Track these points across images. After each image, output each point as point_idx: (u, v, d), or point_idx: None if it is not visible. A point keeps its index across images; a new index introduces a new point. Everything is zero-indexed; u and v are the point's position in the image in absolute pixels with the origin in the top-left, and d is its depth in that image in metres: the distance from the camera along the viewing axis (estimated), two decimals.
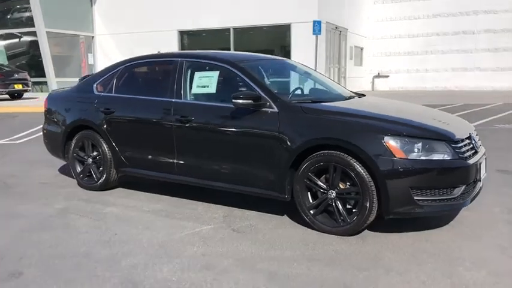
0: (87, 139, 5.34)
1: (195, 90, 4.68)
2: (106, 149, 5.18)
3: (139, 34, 20.39)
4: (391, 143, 3.62)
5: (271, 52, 19.08)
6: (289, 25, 17.92)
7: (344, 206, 3.84)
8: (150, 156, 4.91)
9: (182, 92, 4.71)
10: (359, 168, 3.67)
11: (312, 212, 3.96)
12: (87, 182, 5.43)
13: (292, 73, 5.24)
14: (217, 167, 4.45)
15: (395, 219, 3.94)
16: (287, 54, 17.87)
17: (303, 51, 17.02)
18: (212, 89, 4.59)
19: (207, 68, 4.74)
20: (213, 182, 4.53)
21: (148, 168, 4.96)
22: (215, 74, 4.61)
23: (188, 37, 20.64)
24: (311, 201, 3.98)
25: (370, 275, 3.16)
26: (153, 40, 19.55)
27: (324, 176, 3.92)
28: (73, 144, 5.45)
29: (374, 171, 3.62)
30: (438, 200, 3.65)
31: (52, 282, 3.13)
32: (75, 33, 21.72)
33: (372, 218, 3.75)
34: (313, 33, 15.74)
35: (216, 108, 4.50)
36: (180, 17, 19.66)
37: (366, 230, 3.93)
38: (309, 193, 3.98)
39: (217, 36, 19.82)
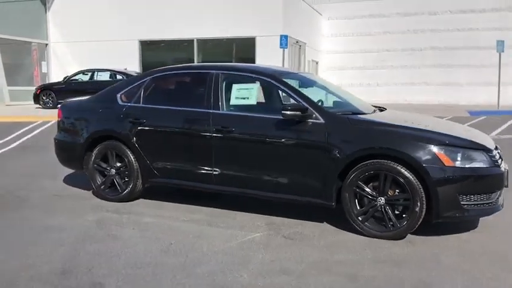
0: (111, 149, 5.29)
1: (234, 101, 4.81)
2: (133, 160, 5.16)
3: (97, 43, 19.93)
4: (440, 152, 3.95)
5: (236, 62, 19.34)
6: (254, 38, 18.28)
7: (393, 211, 4.11)
8: (184, 166, 4.95)
9: (220, 103, 4.81)
10: (410, 176, 3.96)
11: (360, 218, 4.20)
12: (109, 193, 5.36)
13: (316, 86, 5.48)
14: (261, 177, 4.59)
15: (425, 224, 4.23)
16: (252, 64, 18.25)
17: (268, 63, 17.38)
18: (252, 101, 4.75)
19: (246, 80, 4.88)
20: (257, 191, 4.66)
21: (183, 178, 5.00)
22: (255, 86, 4.77)
23: (150, 47, 20.43)
24: (358, 208, 4.22)
25: (440, 273, 3.44)
26: (112, 49, 19.19)
27: (371, 183, 4.17)
28: (94, 155, 5.37)
29: (425, 179, 3.93)
30: (480, 204, 4.01)
31: None
32: (28, 40, 20.86)
33: (419, 222, 4.04)
34: (280, 47, 16.18)
35: (258, 119, 4.65)
36: (141, 26, 19.45)
37: (409, 235, 4.22)
38: (356, 200, 4.22)
39: (180, 47, 19.80)
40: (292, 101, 4.60)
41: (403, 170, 3.99)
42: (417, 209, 3.97)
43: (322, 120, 4.34)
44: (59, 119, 5.77)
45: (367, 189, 4.15)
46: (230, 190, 4.81)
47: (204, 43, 19.30)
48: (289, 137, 4.44)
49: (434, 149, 3.97)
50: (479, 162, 4.03)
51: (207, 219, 4.72)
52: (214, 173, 4.78)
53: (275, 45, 17.13)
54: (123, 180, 5.28)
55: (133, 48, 19.90)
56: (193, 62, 19.21)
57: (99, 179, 5.41)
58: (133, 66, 18.92)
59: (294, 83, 4.98)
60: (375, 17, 24.26)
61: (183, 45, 19.62)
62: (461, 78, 22.80)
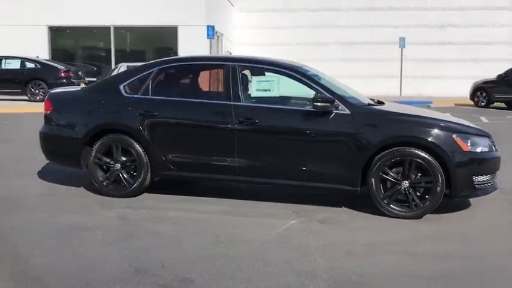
0: (116, 143, 5.06)
1: (256, 93, 4.89)
2: (142, 153, 5.01)
3: (2, 28, 18.09)
4: (458, 138, 4.46)
5: (156, 53, 18.83)
6: (176, 28, 17.95)
7: (415, 193, 4.54)
8: (204, 159, 4.92)
9: (241, 95, 4.86)
10: (433, 161, 4.42)
11: (385, 201, 4.57)
12: (113, 189, 5.12)
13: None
14: (288, 166, 4.75)
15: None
16: (174, 55, 17.89)
17: (191, 53, 17.25)
18: (274, 93, 4.87)
19: (266, 72, 4.99)
20: (282, 180, 4.81)
21: (202, 170, 4.96)
22: (276, 79, 4.90)
23: (61, 34, 19.03)
24: (383, 192, 4.58)
25: (480, 246, 3.93)
26: (19, 35, 17.55)
27: (394, 168, 4.56)
28: (95, 150, 5.09)
29: (447, 163, 4.40)
30: (485, 184, 4.60)
31: (234, 282, 3.18)
32: None
33: (440, 202, 4.53)
34: (208, 37, 16.15)
35: (283, 111, 4.80)
36: (51, 11, 18.01)
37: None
38: (381, 185, 4.59)
39: (95, 35, 18.74)
40: (313, 92, 4.81)
41: (427, 156, 4.42)
42: (438, 190, 4.44)
43: (348, 111, 4.62)
44: (48, 111, 5.35)
45: (392, 174, 4.53)
46: (253, 180, 4.90)
47: (121, 31, 18.50)
48: (316, 128, 4.65)
49: (453, 136, 4.47)
50: (485, 147, 4.61)
51: (233, 210, 4.76)
52: (236, 164, 4.82)
53: (198, 35, 17.07)
54: (131, 175, 5.09)
55: (41, 34, 18.40)
56: (110, 51, 18.40)
57: (100, 175, 5.15)
58: (43, 54, 17.55)
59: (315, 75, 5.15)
60: (284, 11, 25.06)
61: (98, 33, 18.60)
62: (365, 71, 24.57)
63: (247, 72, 5.01)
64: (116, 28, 18.43)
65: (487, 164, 4.58)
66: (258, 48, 25.16)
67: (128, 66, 11.41)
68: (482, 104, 18.19)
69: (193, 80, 5.37)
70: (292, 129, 4.72)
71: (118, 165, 5.08)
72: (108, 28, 18.38)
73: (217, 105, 4.88)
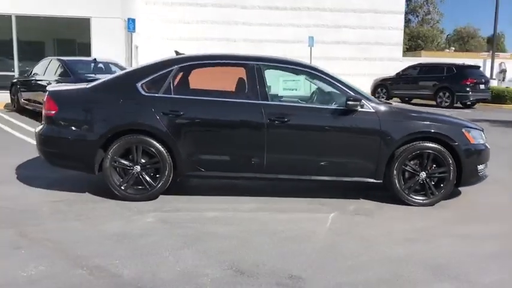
0: (136, 144, 4.84)
1: (283, 92, 5.02)
2: (166, 154, 4.86)
3: None
4: (466, 132, 5.06)
5: (67, 45, 17.52)
6: (89, 19, 16.83)
7: (431, 183, 5.05)
8: (232, 158, 4.94)
9: (269, 94, 4.96)
10: (447, 153, 4.96)
11: (406, 191, 5.02)
12: (134, 192, 4.90)
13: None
14: (317, 163, 4.96)
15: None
16: (86, 49, 16.80)
17: (106, 46, 16.36)
18: (300, 92, 5.05)
19: (289, 72, 5.13)
20: (311, 176, 5.01)
21: (229, 169, 4.97)
22: (301, 78, 5.07)
23: None
24: (403, 182, 5.03)
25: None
26: None
27: (412, 161, 5.02)
28: (111, 152, 4.82)
29: (459, 154, 4.97)
30: (482, 172, 5.27)
31: (341, 274, 3.35)
32: None
33: (452, 189, 5.10)
34: (128, 31, 15.44)
35: (312, 109, 5.00)
36: None
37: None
38: (402, 176, 5.03)
39: None
40: (335, 91, 5.08)
41: (443, 149, 4.95)
42: (451, 179, 5.00)
43: (372, 109, 4.97)
44: (53, 112, 4.91)
45: (412, 166, 4.99)
46: (282, 177, 5.03)
47: (25, 21, 16.82)
48: (344, 125, 4.93)
49: (463, 130, 5.06)
50: (482, 139, 5.27)
51: (265, 207, 4.86)
52: (265, 162, 4.92)
53: (113, 28, 16.30)
54: (153, 177, 4.91)
55: None
56: (12, 42, 16.71)
57: (117, 179, 4.88)
58: None
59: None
60: (191, 6, 24.90)
61: None
62: None
63: (272, 71, 5.11)
64: (18, 17, 16.75)
65: (485, 154, 5.24)
66: (165, 42, 24.68)
67: (60, 61, 10.54)
68: (383, 99, 19.96)
69: (216, 79, 5.30)
70: (321, 127, 4.95)
71: (138, 168, 4.87)
72: (9, 17, 16.63)
73: (246, 104, 4.92)
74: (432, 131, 4.98)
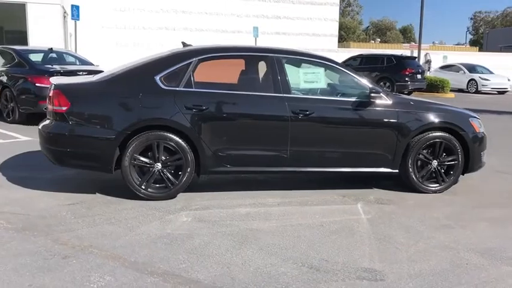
0: (157, 141, 4.61)
1: (304, 85, 5.00)
2: (188, 150, 4.68)
3: None
4: (472, 122, 5.34)
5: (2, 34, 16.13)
6: (24, 5, 15.59)
7: (442, 170, 5.29)
8: (257, 152, 4.85)
9: (291, 87, 4.92)
10: (457, 142, 5.22)
11: (420, 179, 5.22)
12: (155, 191, 4.68)
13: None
14: (339, 154, 5.01)
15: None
16: (23, 37, 15.59)
17: (45, 34, 15.31)
18: (321, 84, 5.06)
19: (308, 64, 5.11)
20: (333, 168, 5.04)
21: (254, 164, 4.88)
22: (321, 70, 5.08)
23: None
24: (417, 171, 5.22)
25: None
26: None
27: (425, 150, 5.23)
28: (131, 149, 4.56)
29: (467, 142, 5.24)
30: (484, 159, 5.59)
31: (413, 264, 3.44)
32: None
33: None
34: (72, 18, 14.49)
35: (334, 102, 5.02)
36: None
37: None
38: (416, 165, 5.22)
39: None
40: (353, 83, 5.16)
41: (453, 138, 5.21)
42: (460, 166, 5.28)
43: (389, 101, 5.10)
44: (65, 108, 4.52)
45: (426, 155, 5.20)
46: (304, 170, 5.02)
47: None
48: (365, 117, 5.01)
49: (469, 119, 5.34)
50: (482, 128, 5.60)
51: (291, 201, 4.84)
52: (288, 155, 4.89)
53: (51, 15, 15.31)
54: (175, 174, 4.71)
55: None
56: None
57: (136, 177, 4.63)
58: None
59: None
60: None
61: None
62: None
63: (293, 63, 5.07)
64: None
65: (485, 141, 5.57)
66: (102, 31, 23.58)
67: (11, 50, 9.64)
68: None
69: (237, 72, 5.13)
70: (343, 119, 5.00)
71: (159, 165, 4.64)
72: None
73: (270, 97, 4.84)
74: (444, 121, 5.20)
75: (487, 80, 23.82)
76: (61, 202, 4.56)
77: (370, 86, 5.06)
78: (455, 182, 5.35)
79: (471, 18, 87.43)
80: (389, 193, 5.21)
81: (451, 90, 21.60)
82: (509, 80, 24.18)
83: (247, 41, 22.83)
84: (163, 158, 4.65)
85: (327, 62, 5.16)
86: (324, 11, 27.01)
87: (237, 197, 4.91)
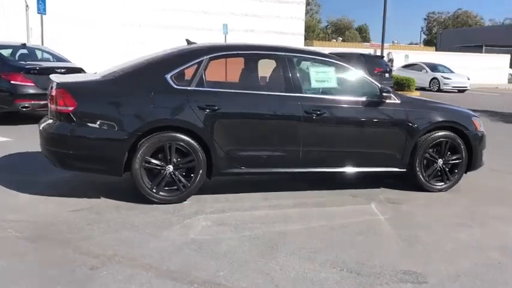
0: (170, 142, 4.42)
1: (316, 84, 4.93)
2: (201, 151, 4.53)
3: None
4: (474, 121, 5.44)
5: None
6: None
7: (445, 169, 5.35)
8: (271, 153, 4.75)
9: (303, 86, 4.84)
10: (461, 141, 5.30)
11: (427, 178, 5.27)
12: (167, 194, 4.49)
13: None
14: (352, 155, 4.97)
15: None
16: None
17: (4, 28, 14.59)
18: (332, 84, 5.00)
19: (319, 63, 5.04)
20: (344, 168, 5.01)
21: (267, 165, 4.78)
22: (331, 70, 5.02)
23: None
24: (424, 170, 5.26)
25: None
26: None
27: (430, 149, 5.27)
28: (142, 151, 4.36)
29: (470, 141, 5.32)
30: (483, 157, 5.71)
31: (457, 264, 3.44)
32: None
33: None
34: (38, 12, 13.80)
35: (345, 101, 4.97)
36: None
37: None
38: (422, 164, 5.25)
39: None
40: (362, 82, 5.14)
41: (457, 136, 5.28)
42: (464, 164, 5.36)
43: (398, 101, 5.11)
44: (71, 108, 4.26)
45: (432, 154, 5.25)
46: (316, 171, 4.96)
47: None
48: (376, 116, 4.99)
49: (472, 118, 5.43)
50: (482, 127, 5.70)
51: (304, 202, 4.75)
52: (301, 156, 4.81)
53: (12, 7, 14.61)
54: (187, 176, 4.54)
55: None
56: None
57: (147, 180, 4.43)
58: None
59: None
60: None
61: None
62: None
63: (303, 62, 4.99)
64: None
65: (485, 140, 5.67)
66: (68, 27, 22.72)
67: None
68: None
69: (248, 71, 4.99)
70: (355, 119, 4.96)
71: (170, 167, 4.46)
72: None
73: (283, 97, 4.74)
74: (450, 120, 5.27)
75: (449, 78, 24.60)
76: (66, 208, 4.30)
77: (381, 85, 5.05)
78: (459, 180, 5.43)
79: (425, 19, 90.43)
80: (397, 192, 5.23)
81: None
82: (469, 79, 25.06)
83: (216, 39, 22.62)
84: (175, 159, 4.47)
85: (336, 61, 5.12)
86: (291, 10, 27.11)
87: (248, 199, 4.79)
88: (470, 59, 33.95)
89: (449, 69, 26.03)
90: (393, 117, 5.05)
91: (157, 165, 4.43)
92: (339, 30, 78.05)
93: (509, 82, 35.41)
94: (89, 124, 4.31)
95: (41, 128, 4.52)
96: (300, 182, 5.34)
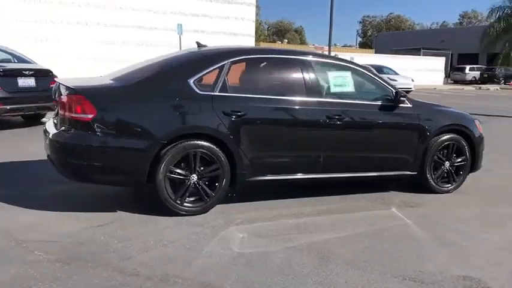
0: (195, 150, 4.20)
1: (334, 89, 4.87)
2: (225, 159, 4.34)
3: None
4: (477, 124, 5.61)
5: None
6: None
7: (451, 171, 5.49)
8: (293, 159, 4.65)
9: (322, 91, 4.78)
10: (465, 143, 5.45)
11: (436, 180, 5.37)
12: (192, 205, 4.27)
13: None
14: (370, 159, 4.97)
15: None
16: None
17: None
18: (350, 88, 4.97)
19: (335, 68, 4.98)
20: (362, 173, 5.00)
21: (291, 172, 4.66)
22: (348, 74, 4.98)
23: None
24: (433, 172, 5.36)
25: None
26: None
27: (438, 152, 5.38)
28: (166, 161, 4.11)
29: (474, 143, 5.49)
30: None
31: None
32: None
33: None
34: None
35: (363, 106, 4.95)
36: None
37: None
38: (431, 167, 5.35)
39: None
40: (376, 86, 5.15)
41: (462, 139, 5.42)
42: (468, 166, 5.52)
43: (410, 105, 5.17)
44: (90, 116, 3.92)
45: (440, 156, 5.36)
46: (335, 176, 4.90)
47: None
48: (394, 121, 5.03)
49: (475, 122, 5.60)
50: (480, 128, 5.90)
51: (328, 209, 4.67)
52: (322, 162, 4.75)
53: None
54: (212, 186, 4.34)
55: None
56: None
57: (170, 191, 4.19)
58: None
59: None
60: None
61: None
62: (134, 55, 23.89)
63: (322, 67, 4.92)
64: None
65: (484, 142, 5.88)
66: (15, 24, 21.29)
67: None
68: None
69: (270, 75, 4.81)
70: (373, 123, 4.96)
71: (194, 177, 4.25)
72: None
73: (306, 102, 4.65)
74: (456, 123, 5.40)
75: (395, 80, 25.47)
76: (85, 223, 3.97)
77: (395, 89, 5.09)
78: (463, 181, 5.58)
79: (360, 22, 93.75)
80: (407, 195, 5.27)
81: None
82: (413, 80, 26.17)
83: (164, 38, 22.20)
84: (199, 168, 4.25)
85: (352, 65, 5.10)
86: (241, 11, 27.06)
87: (269, 207, 4.65)
88: (409, 61, 35.51)
89: (394, 71, 27.04)
90: (408, 121, 5.10)
91: (181, 174, 4.19)
92: (280, 32, 79.12)
93: (444, 83, 37.45)
94: (110, 133, 3.99)
95: (51, 137, 4.14)
96: (310, 188, 5.24)
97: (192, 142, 4.18)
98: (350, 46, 79.11)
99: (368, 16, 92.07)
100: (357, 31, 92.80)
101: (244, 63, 4.62)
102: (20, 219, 4.00)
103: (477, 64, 42.67)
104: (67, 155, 4.03)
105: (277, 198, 4.90)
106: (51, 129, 4.37)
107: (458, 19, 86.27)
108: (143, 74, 4.31)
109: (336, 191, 5.16)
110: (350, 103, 4.92)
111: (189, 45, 21.57)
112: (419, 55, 39.12)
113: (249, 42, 27.56)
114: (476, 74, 40.72)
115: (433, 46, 44.93)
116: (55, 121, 4.52)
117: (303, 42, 74.66)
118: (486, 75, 40.73)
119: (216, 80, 4.36)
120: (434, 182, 5.34)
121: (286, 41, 60.57)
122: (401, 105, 5.08)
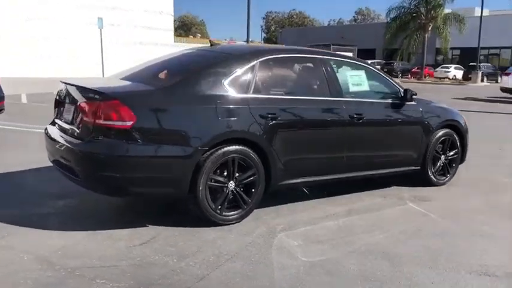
0: (234, 156, 3.97)
1: (353, 88, 4.87)
2: (260, 164, 4.16)
3: None
4: (464, 118, 5.95)
5: None
6: None
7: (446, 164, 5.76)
8: (321, 160, 4.57)
9: (342, 90, 4.75)
10: (457, 137, 5.76)
11: (435, 173, 5.61)
12: (230, 213, 4.04)
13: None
14: (386, 157, 5.05)
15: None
16: None
17: None
18: (365, 87, 5.00)
19: (351, 67, 4.98)
20: (379, 170, 5.07)
21: (318, 173, 4.58)
22: (362, 73, 5.01)
23: None
24: (433, 166, 5.59)
25: None
26: None
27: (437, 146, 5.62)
28: (207, 168, 3.84)
29: (464, 138, 5.81)
30: None
31: None
32: None
33: None
34: None
35: (380, 104, 5.02)
36: None
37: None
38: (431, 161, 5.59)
39: None
40: (385, 85, 5.24)
41: (454, 133, 5.72)
42: (459, 158, 5.84)
43: (415, 102, 5.33)
44: (129, 123, 3.51)
45: (438, 151, 5.61)
46: (355, 175, 4.91)
47: None
48: (404, 118, 5.16)
49: (462, 116, 5.94)
50: None
51: (350, 209, 4.65)
52: (345, 161, 4.75)
53: None
54: (246, 193, 4.14)
55: None
56: None
57: (210, 200, 3.93)
58: None
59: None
60: None
61: None
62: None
63: (339, 66, 4.89)
64: None
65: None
66: None
67: None
68: None
69: (296, 75, 4.62)
70: (389, 121, 5.06)
71: (232, 184, 4.02)
72: None
73: (331, 101, 4.60)
74: (451, 118, 5.69)
75: None
76: (127, 242, 3.58)
77: (403, 87, 5.22)
78: (455, 173, 5.88)
79: (263, 18, 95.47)
80: (411, 189, 5.43)
81: None
82: None
83: (79, 32, 20.87)
84: (236, 175, 4.03)
85: (365, 65, 5.14)
86: (159, 4, 26.27)
87: (301, 209, 4.56)
88: None
89: None
90: (415, 118, 5.27)
91: (220, 182, 3.94)
92: (185, 26, 77.99)
93: None
94: (151, 141, 3.62)
95: (82, 150, 3.63)
96: (322, 187, 5.20)
97: (231, 148, 3.93)
98: (253, 42, 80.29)
99: (271, 12, 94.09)
100: (261, 26, 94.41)
101: (270, 63, 4.43)
102: (54, 243, 3.49)
103: (375, 59, 45.61)
104: (100, 167, 3.57)
105: (292, 200, 4.79)
106: (65, 137, 3.88)
107: (353, 16, 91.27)
108: (174, 77, 3.97)
109: (341, 190, 5.14)
110: (367, 102, 4.97)
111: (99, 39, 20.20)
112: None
113: (168, 36, 26.90)
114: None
115: (335, 42, 47.17)
116: (65, 126, 4.02)
117: (206, 35, 74.22)
118: (386, 70, 43.69)
119: (248, 81, 4.14)
120: (433, 175, 5.58)
121: (199, 35, 59.76)
122: (407, 103, 5.22)
